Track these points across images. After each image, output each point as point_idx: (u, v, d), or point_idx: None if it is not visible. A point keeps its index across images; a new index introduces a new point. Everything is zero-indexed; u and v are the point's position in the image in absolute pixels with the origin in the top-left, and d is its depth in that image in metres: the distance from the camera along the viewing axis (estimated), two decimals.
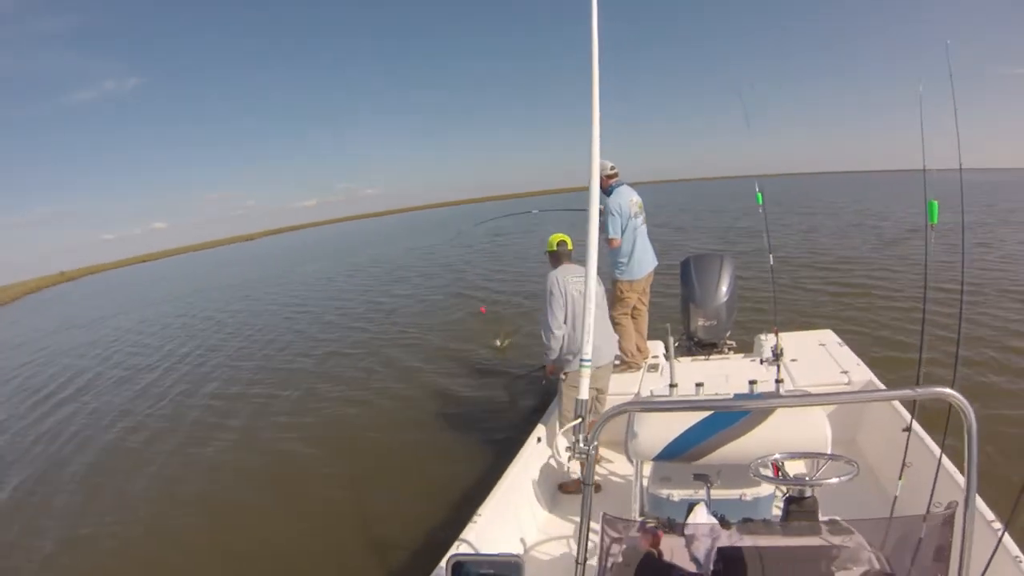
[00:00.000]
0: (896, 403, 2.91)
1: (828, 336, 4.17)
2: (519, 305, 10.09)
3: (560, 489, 3.31)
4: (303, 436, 5.74)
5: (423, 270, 17.29)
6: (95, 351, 12.45)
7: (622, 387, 3.70)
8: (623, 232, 4.07)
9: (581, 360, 1.35)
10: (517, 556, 0.50)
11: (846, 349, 3.90)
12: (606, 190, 4.18)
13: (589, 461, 1.19)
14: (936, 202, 1.75)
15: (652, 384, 3.73)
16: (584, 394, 1.31)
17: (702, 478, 2.05)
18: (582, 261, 3.42)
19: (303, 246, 44.24)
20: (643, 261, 4.15)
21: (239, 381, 8.10)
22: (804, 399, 1.50)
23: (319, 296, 15.16)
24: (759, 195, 3.54)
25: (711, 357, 4.13)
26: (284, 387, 7.40)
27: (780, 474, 1.87)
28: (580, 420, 1.26)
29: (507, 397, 6.01)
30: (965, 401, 1.01)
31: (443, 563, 0.50)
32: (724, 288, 4.17)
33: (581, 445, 1.21)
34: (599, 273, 1.68)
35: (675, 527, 1.41)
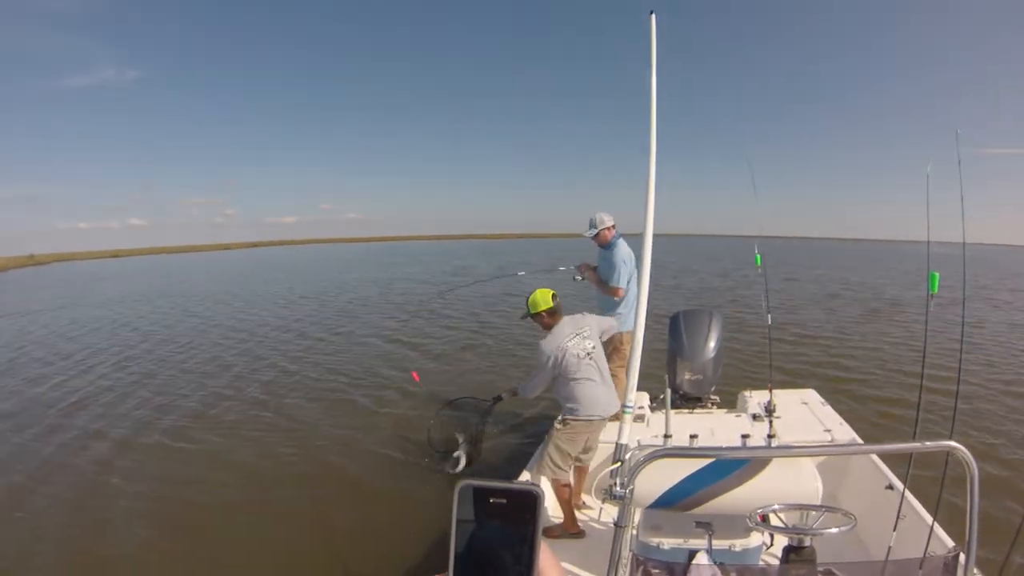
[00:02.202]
0: (879, 461, 2.99)
1: (811, 395, 4.26)
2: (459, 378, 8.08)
3: (544, 534, 3.22)
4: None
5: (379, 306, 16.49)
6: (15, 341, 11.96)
7: (605, 436, 3.65)
8: (628, 283, 4.20)
9: (624, 406, 1.37)
10: (536, 485, 0.48)
11: (828, 408, 3.99)
12: (608, 243, 4.32)
13: (626, 504, 1.19)
14: (937, 274, 1.86)
15: (638, 435, 3.72)
16: (624, 438, 1.33)
17: (704, 526, 2.05)
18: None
19: (277, 265, 43.47)
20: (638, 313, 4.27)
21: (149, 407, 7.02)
22: (816, 449, 1.54)
23: (269, 320, 13.94)
24: (758, 257, 3.66)
25: (695, 411, 4.16)
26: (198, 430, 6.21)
27: (769, 524, 1.90)
28: (620, 464, 1.27)
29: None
30: (969, 453, 1.05)
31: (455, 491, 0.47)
32: (712, 344, 4.24)
33: (618, 489, 1.21)
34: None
35: (677, 572, 1.41)
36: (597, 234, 4.36)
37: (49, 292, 25.04)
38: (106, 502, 4.64)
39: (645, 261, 1.52)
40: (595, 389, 3.24)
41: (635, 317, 1.51)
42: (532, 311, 3.30)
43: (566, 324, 3.29)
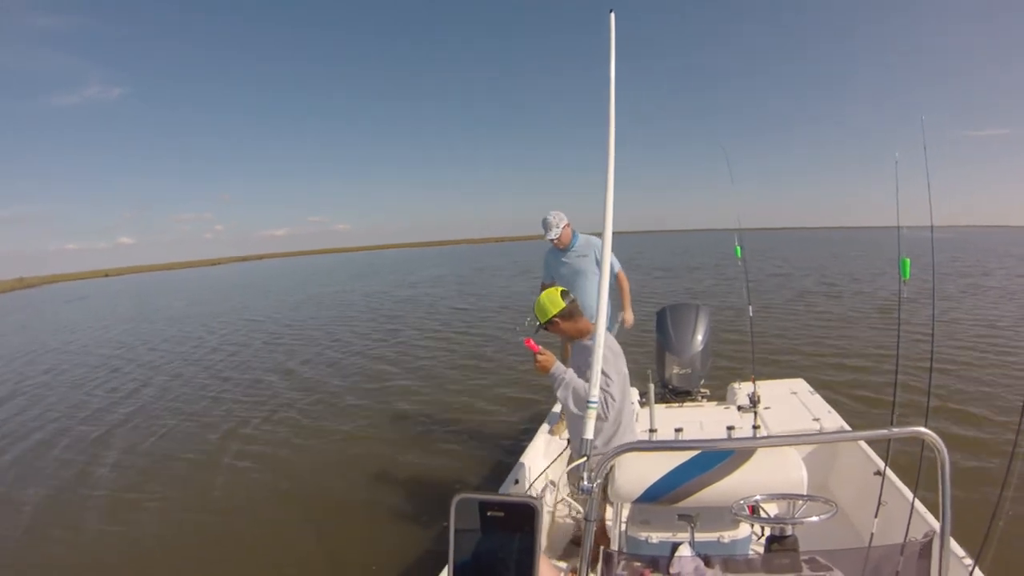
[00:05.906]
0: (867, 448, 3.01)
1: (800, 385, 4.29)
2: None
3: None
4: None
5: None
6: None
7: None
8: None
9: (588, 401, 1.37)
10: (533, 498, 0.48)
11: (817, 397, 4.01)
12: (571, 243, 4.25)
13: (592, 499, 1.20)
14: (908, 259, 1.88)
15: None
16: (589, 434, 1.33)
17: (686, 518, 2.05)
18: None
19: (263, 277, 42.96)
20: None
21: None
22: (789, 439, 1.55)
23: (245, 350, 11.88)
24: (738, 248, 3.66)
25: (684, 405, 4.18)
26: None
27: (758, 515, 1.90)
28: (585, 459, 1.27)
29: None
30: (938, 438, 1.05)
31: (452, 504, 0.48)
32: (699, 337, 4.27)
33: (585, 483, 1.21)
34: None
35: (660, 566, 1.41)
36: (560, 234, 4.18)
37: (14, 317, 24.53)
38: None
39: (605, 258, 1.53)
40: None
41: (596, 313, 1.51)
42: (543, 319, 2.62)
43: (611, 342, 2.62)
